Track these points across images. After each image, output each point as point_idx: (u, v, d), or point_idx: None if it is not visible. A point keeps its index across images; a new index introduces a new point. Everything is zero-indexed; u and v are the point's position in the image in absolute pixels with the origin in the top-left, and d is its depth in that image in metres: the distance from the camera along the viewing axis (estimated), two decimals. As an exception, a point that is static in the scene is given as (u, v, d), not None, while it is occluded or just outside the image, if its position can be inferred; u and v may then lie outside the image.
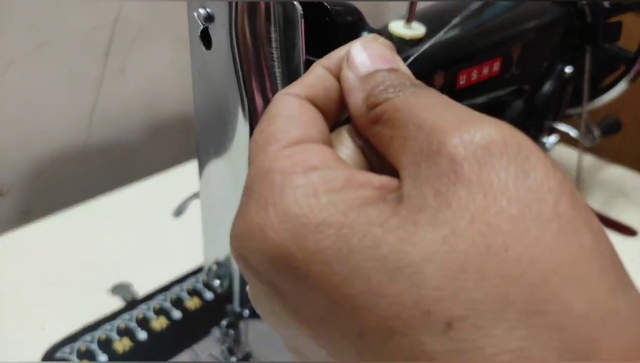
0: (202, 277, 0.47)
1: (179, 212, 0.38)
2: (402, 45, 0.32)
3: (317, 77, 0.20)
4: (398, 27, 0.32)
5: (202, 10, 0.26)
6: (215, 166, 0.30)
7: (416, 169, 0.15)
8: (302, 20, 0.24)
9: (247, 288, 0.18)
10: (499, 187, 0.13)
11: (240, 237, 0.16)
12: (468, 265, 0.13)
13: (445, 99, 0.17)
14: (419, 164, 0.15)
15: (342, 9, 0.26)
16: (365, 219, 0.14)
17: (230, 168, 0.29)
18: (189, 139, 0.71)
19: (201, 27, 0.27)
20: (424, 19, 0.34)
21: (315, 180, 0.15)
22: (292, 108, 0.18)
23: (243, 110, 0.27)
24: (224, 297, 0.37)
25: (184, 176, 0.62)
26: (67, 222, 0.54)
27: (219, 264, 0.35)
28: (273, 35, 0.25)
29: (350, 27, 0.27)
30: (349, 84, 0.19)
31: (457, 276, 0.12)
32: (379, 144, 0.17)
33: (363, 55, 0.19)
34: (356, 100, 0.18)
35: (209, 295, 0.46)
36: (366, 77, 0.18)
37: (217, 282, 0.35)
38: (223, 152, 0.29)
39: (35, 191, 0.61)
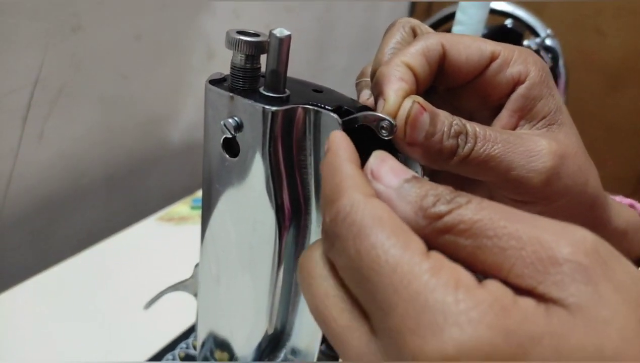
0: None
1: (149, 304, 0.35)
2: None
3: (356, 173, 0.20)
4: None
5: (231, 120, 0.24)
6: (232, 273, 0.29)
7: (544, 276, 0.16)
8: (341, 128, 0.24)
9: None
10: (621, 280, 0.16)
11: None
12: None
13: (507, 207, 0.17)
14: (547, 272, 0.16)
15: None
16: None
17: (253, 279, 0.28)
18: (114, 203, 0.66)
19: (224, 136, 0.25)
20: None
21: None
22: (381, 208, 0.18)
23: (276, 215, 0.26)
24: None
25: (109, 251, 0.57)
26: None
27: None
28: (307, 143, 0.25)
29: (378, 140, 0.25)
30: (386, 197, 0.19)
31: None
32: (454, 252, 0.17)
33: (385, 168, 0.19)
34: (405, 212, 0.18)
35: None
36: (406, 188, 0.18)
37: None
38: (246, 262, 0.28)
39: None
